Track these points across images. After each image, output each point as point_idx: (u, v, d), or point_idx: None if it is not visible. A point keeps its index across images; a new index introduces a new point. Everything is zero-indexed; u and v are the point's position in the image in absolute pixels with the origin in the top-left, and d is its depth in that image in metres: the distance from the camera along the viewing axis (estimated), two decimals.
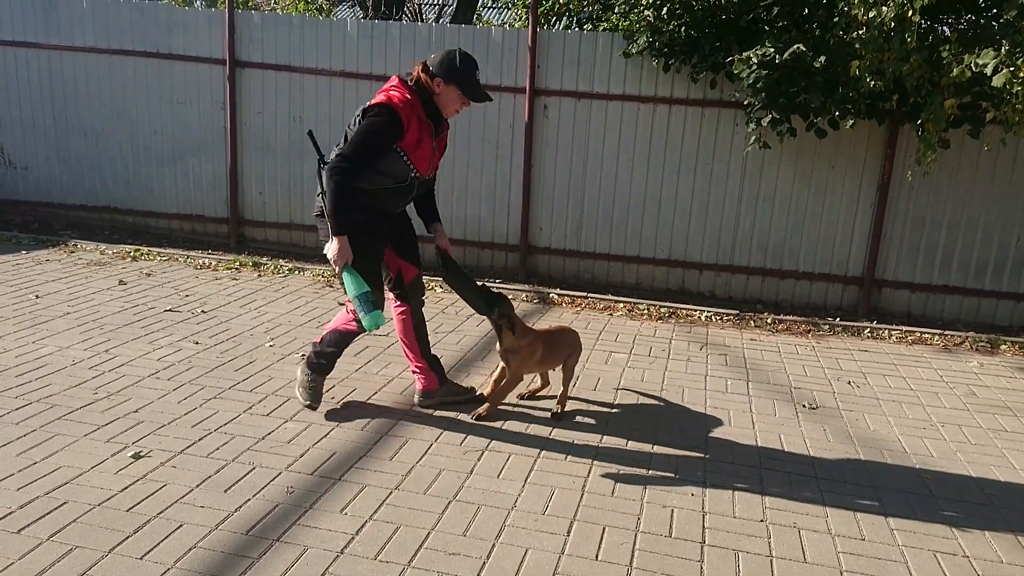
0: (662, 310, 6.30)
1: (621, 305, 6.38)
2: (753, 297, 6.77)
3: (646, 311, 6.28)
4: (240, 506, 3.12)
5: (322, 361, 4.04)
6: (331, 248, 3.59)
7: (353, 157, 3.56)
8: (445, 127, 3.89)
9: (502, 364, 4.08)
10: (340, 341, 4.02)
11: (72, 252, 6.93)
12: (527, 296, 6.45)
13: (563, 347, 4.19)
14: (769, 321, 6.17)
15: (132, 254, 6.95)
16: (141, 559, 2.76)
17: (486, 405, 4.11)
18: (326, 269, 6.74)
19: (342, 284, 3.65)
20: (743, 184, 6.59)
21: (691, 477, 3.59)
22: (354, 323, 3.90)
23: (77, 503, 3.07)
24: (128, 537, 2.88)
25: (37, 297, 5.62)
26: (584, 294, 6.54)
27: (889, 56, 5.23)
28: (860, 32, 5.30)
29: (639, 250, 6.88)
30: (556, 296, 6.49)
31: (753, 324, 6.12)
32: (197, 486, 3.25)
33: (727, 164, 6.57)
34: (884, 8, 5.06)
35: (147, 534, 2.90)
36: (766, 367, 5.16)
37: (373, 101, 3.66)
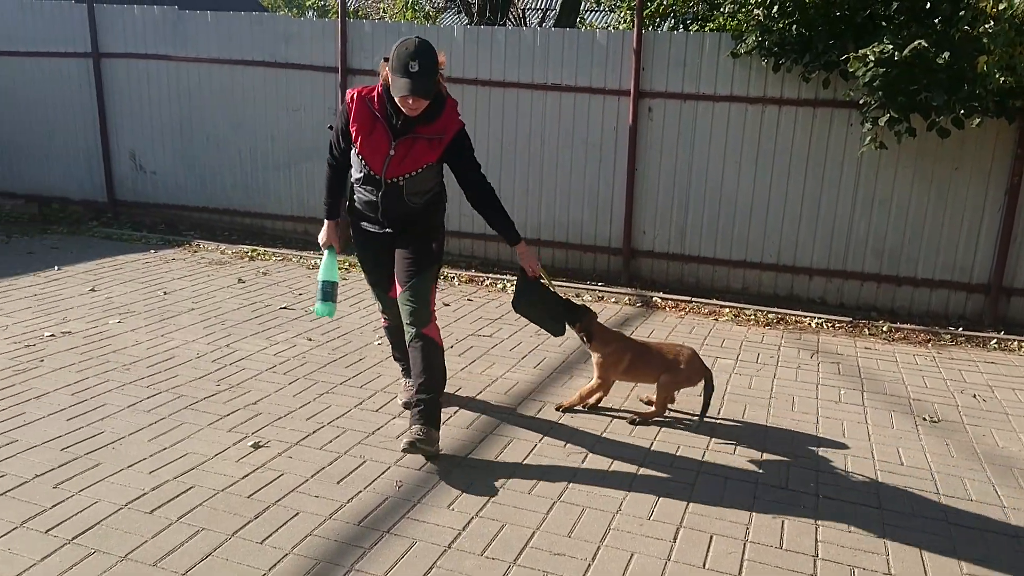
0: (770, 316, 6.12)
1: (727, 310, 6.24)
2: (867, 304, 6.50)
3: (753, 316, 6.12)
4: (352, 497, 3.23)
5: (399, 365, 4.29)
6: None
7: (331, 146, 3.71)
8: (425, 130, 3.46)
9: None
10: (388, 338, 4.22)
11: (195, 252, 7.33)
12: (630, 299, 6.40)
13: (658, 363, 4.03)
14: (885, 329, 5.90)
15: (250, 254, 7.29)
16: (261, 543, 2.90)
17: (571, 399, 4.19)
18: None
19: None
20: (857, 187, 6.33)
21: (802, 488, 3.47)
22: (383, 318, 4.10)
23: (203, 488, 3.25)
24: (249, 522, 3.02)
25: (165, 293, 5.97)
26: (688, 298, 6.44)
27: (1021, 51, 4.92)
28: (988, 26, 5.00)
29: (746, 254, 6.71)
30: (659, 300, 6.41)
31: (867, 332, 5.87)
32: (312, 476, 3.38)
33: (840, 166, 6.33)
34: (1015, 0, 4.77)
35: (266, 520, 3.04)
36: (882, 377, 4.94)
37: None
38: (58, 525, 2.95)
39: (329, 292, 3.79)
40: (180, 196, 8.31)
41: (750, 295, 6.69)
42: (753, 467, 3.65)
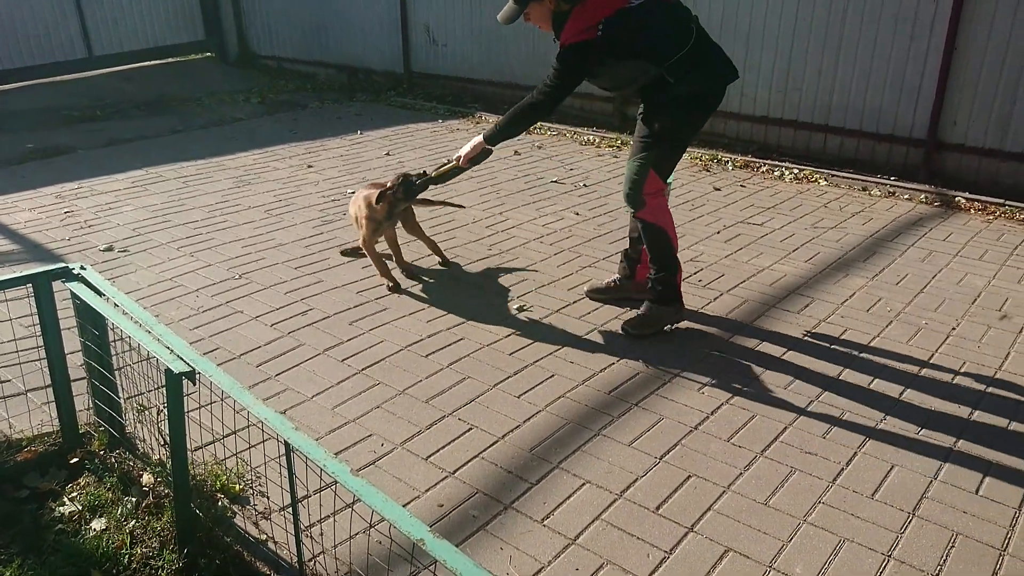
0: None
1: None
2: None
3: None
4: (604, 368, 3.34)
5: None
6: None
7: None
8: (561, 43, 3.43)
9: None
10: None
11: (478, 123, 7.69)
12: (927, 198, 5.71)
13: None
14: None
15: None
16: (518, 398, 3.12)
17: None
18: (704, 153, 6.64)
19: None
20: None
21: None
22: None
23: (471, 340, 3.54)
24: (509, 377, 3.26)
25: (448, 161, 6.36)
26: (1000, 201, 5.60)
27: None
28: None
29: None
30: (963, 201, 5.64)
31: None
32: (568, 344, 3.54)
33: None
34: None
35: (524, 377, 3.25)
36: None
37: None
38: (351, 356, 3.39)
39: None
40: (466, 69, 8.68)
41: None
42: None
